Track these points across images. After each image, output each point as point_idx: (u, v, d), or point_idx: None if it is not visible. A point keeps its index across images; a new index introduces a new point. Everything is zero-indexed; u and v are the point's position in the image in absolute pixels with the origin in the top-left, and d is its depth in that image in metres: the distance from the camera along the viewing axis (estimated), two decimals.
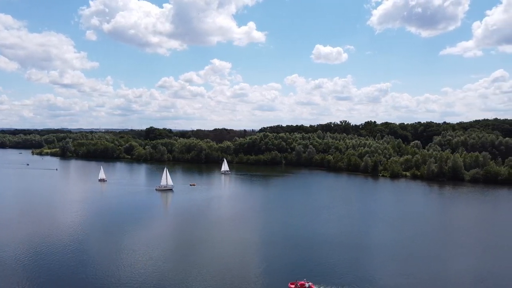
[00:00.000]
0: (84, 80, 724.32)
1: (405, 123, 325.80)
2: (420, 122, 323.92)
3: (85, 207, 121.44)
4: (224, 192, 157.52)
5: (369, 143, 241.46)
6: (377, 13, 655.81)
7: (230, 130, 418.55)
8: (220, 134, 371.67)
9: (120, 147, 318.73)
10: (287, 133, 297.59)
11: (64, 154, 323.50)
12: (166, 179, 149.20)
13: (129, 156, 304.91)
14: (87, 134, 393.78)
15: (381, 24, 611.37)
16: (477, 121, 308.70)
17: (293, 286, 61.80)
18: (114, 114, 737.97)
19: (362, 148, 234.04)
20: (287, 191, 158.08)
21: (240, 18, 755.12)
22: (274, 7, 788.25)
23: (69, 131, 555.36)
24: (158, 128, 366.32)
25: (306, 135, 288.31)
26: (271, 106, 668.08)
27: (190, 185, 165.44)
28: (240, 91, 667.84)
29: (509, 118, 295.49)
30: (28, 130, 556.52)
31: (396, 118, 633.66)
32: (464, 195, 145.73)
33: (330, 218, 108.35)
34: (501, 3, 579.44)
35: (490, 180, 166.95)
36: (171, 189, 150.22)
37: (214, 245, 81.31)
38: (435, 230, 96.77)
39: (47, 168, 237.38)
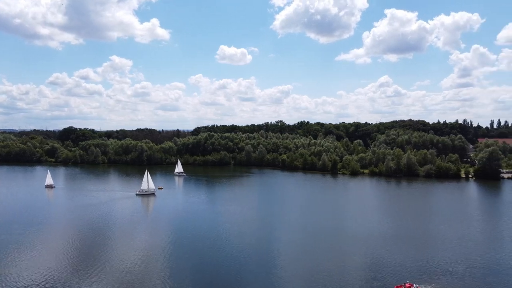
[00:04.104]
0: None
1: (335, 123, 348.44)
2: (345, 122, 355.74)
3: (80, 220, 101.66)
4: (202, 195, 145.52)
5: (320, 142, 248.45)
6: (279, 17, 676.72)
7: (153, 130, 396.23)
8: (151, 135, 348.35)
9: (39, 149, 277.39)
10: (233, 133, 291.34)
11: None
12: (148, 182, 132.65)
13: (53, 159, 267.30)
14: None
15: (283, 29, 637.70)
16: (395, 122, 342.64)
17: None
18: None
19: (313, 147, 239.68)
20: (270, 191, 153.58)
21: (143, 14, 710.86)
22: (178, 4, 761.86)
23: None
24: (80, 128, 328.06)
25: (251, 135, 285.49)
26: (175, 106, 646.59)
27: (159, 188, 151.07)
28: (142, 90, 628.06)
29: (396, 120, 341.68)
30: None
31: (297, 118, 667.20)
32: (466, 187, 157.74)
33: (378, 217, 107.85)
34: (386, 16, 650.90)
35: (442, 175, 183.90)
36: (153, 194, 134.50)
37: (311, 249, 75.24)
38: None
39: None
